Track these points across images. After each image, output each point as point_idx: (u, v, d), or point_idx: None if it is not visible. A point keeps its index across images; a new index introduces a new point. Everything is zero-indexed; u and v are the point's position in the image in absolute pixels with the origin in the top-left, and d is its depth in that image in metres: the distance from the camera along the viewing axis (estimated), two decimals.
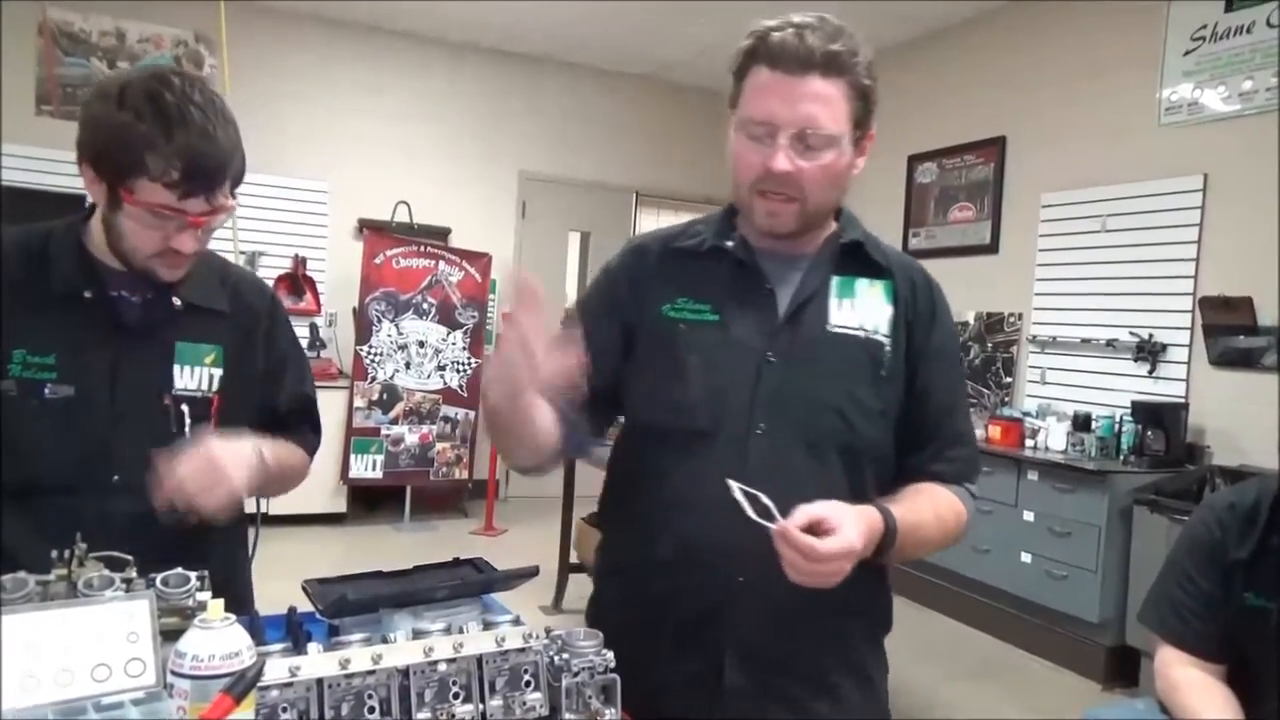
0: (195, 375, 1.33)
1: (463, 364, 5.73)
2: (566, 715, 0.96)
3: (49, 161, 4.90)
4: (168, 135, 1.15)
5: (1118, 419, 4.11)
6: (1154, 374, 4.14)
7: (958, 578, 4.39)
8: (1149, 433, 3.92)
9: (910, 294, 1.26)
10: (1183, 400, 3.98)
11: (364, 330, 5.48)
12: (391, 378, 5.54)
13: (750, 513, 1.00)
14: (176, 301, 1.32)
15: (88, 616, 0.86)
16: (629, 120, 6.80)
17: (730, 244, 1.24)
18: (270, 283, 5.58)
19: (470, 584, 1.13)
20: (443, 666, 0.93)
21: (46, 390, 1.24)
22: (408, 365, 5.59)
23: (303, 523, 5.14)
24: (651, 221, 7.02)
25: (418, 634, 0.95)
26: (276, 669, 0.86)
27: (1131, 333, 4.22)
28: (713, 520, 1.15)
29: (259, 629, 1.03)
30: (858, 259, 1.25)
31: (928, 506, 1.21)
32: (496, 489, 5.85)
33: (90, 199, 1.26)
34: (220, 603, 0.84)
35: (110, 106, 1.17)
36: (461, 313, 5.73)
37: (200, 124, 1.17)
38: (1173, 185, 4.10)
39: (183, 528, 1.18)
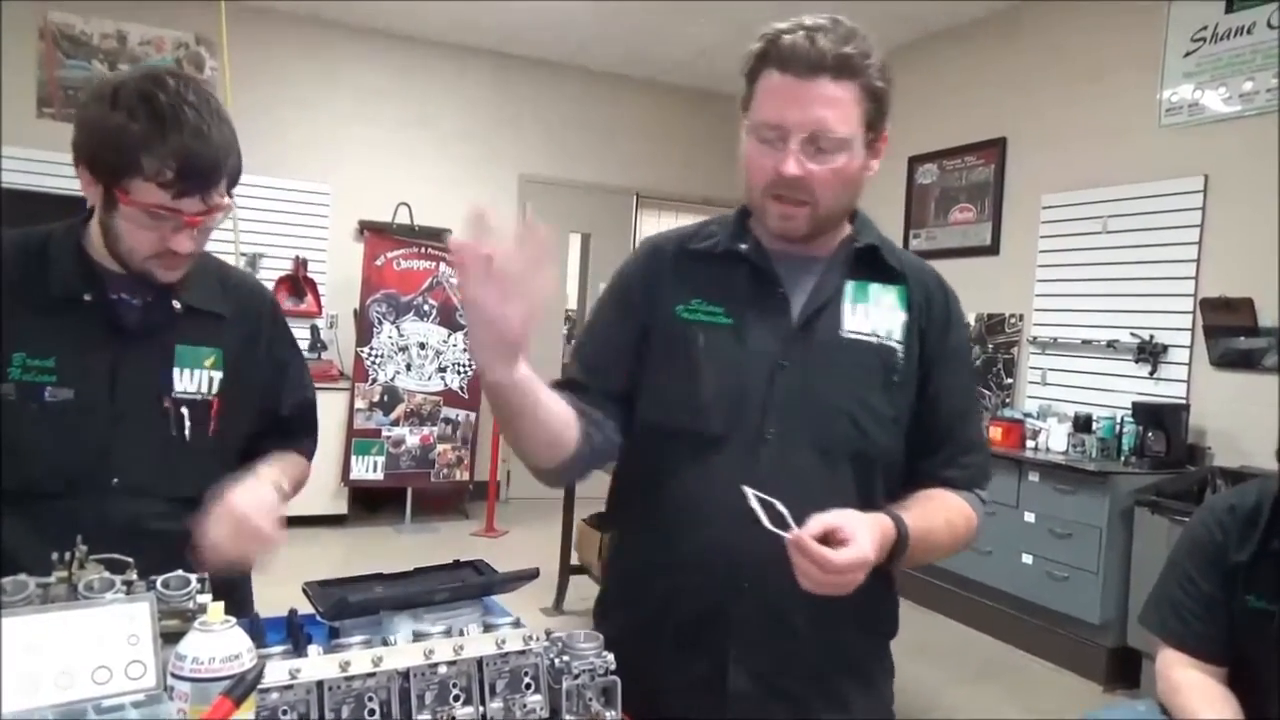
0: (195, 378, 1.33)
1: (464, 366, 5.73)
2: (567, 717, 0.96)
3: (50, 164, 4.90)
4: (161, 135, 1.15)
5: (1119, 420, 4.11)
6: (1155, 375, 4.14)
7: (958, 579, 4.39)
8: (1150, 434, 3.92)
9: (924, 300, 1.25)
10: (1183, 401, 3.98)
11: (365, 332, 5.49)
12: (392, 379, 5.54)
13: (765, 522, 1.00)
14: (176, 305, 1.32)
15: (88, 619, 0.86)
16: (629, 122, 6.81)
17: (744, 247, 1.24)
18: (271, 284, 5.61)
19: (470, 586, 1.14)
20: (443, 669, 0.93)
21: (46, 393, 1.24)
22: (409, 367, 5.59)
23: (303, 524, 5.14)
24: (652, 222, 7.03)
25: (418, 636, 0.95)
26: (277, 671, 0.86)
27: (1132, 334, 4.22)
28: (720, 524, 1.15)
29: (259, 631, 1.03)
30: (872, 263, 1.25)
31: (939, 513, 1.21)
32: (497, 490, 5.85)
33: (89, 201, 1.26)
34: (220, 605, 0.84)
35: (104, 107, 1.17)
36: (462, 314, 5.72)
37: (194, 124, 1.17)
38: (1173, 186, 4.10)
39: (183, 530, 1.18)
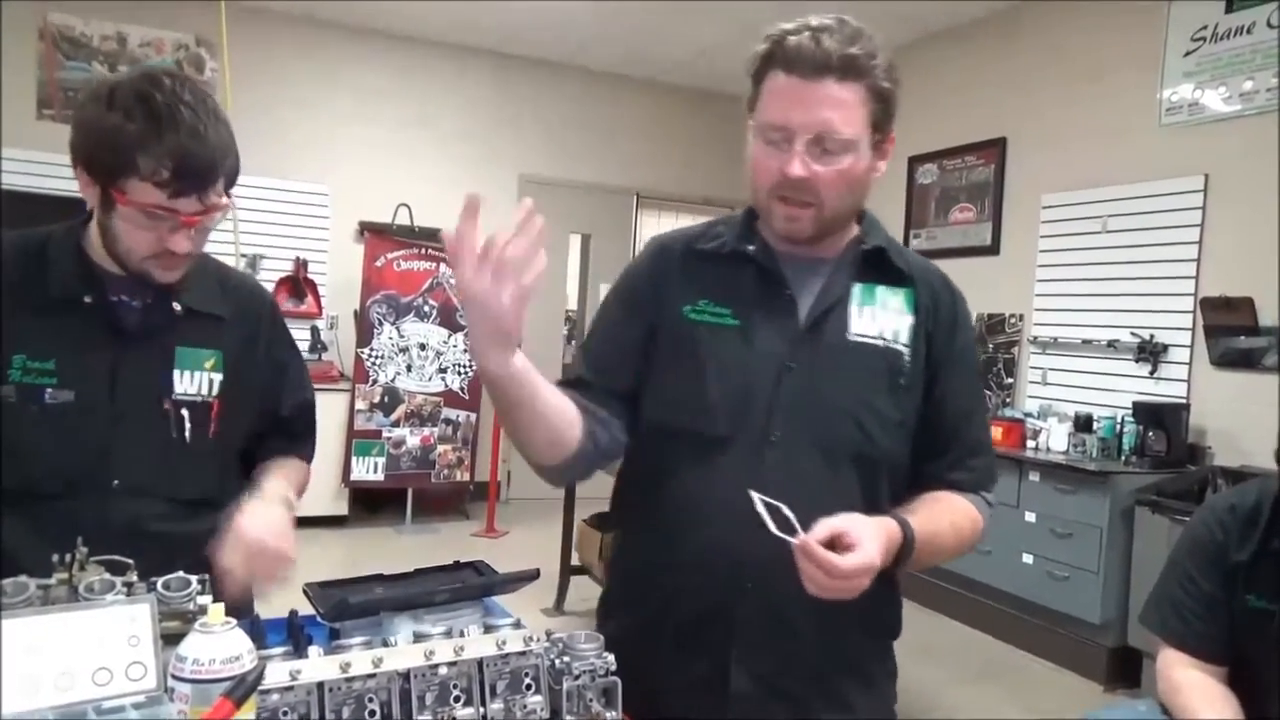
0: (195, 380, 1.34)
1: (464, 366, 5.73)
2: (567, 718, 0.96)
3: (50, 165, 4.90)
4: (158, 135, 1.15)
5: (1119, 420, 4.11)
6: (1155, 375, 4.14)
7: (959, 579, 4.39)
8: (1150, 433, 3.92)
9: (931, 302, 1.25)
10: (1184, 401, 3.98)
11: (365, 333, 5.49)
12: (393, 380, 5.54)
13: (772, 527, 0.99)
14: (176, 306, 1.32)
15: (89, 620, 0.86)
16: (628, 123, 6.81)
17: (751, 248, 1.23)
18: (271, 286, 5.62)
19: (471, 587, 1.14)
20: (443, 670, 0.93)
21: (46, 395, 1.24)
22: (409, 368, 5.59)
23: (304, 525, 5.08)
24: (652, 223, 7.03)
25: (418, 637, 0.95)
26: (277, 673, 0.86)
27: (1133, 333, 4.22)
28: (724, 525, 1.15)
29: (260, 632, 1.03)
30: (879, 265, 1.24)
31: (944, 516, 1.20)
32: (498, 491, 5.85)
33: (88, 203, 1.26)
34: (221, 607, 0.84)
35: (101, 108, 1.17)
36: (463, 315, 5.72)
37: (190, 123, 1.17)
38: (1173, 186, 4.10)
39: (183, 531, 1.18)
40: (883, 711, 1.28)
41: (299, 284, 5.80)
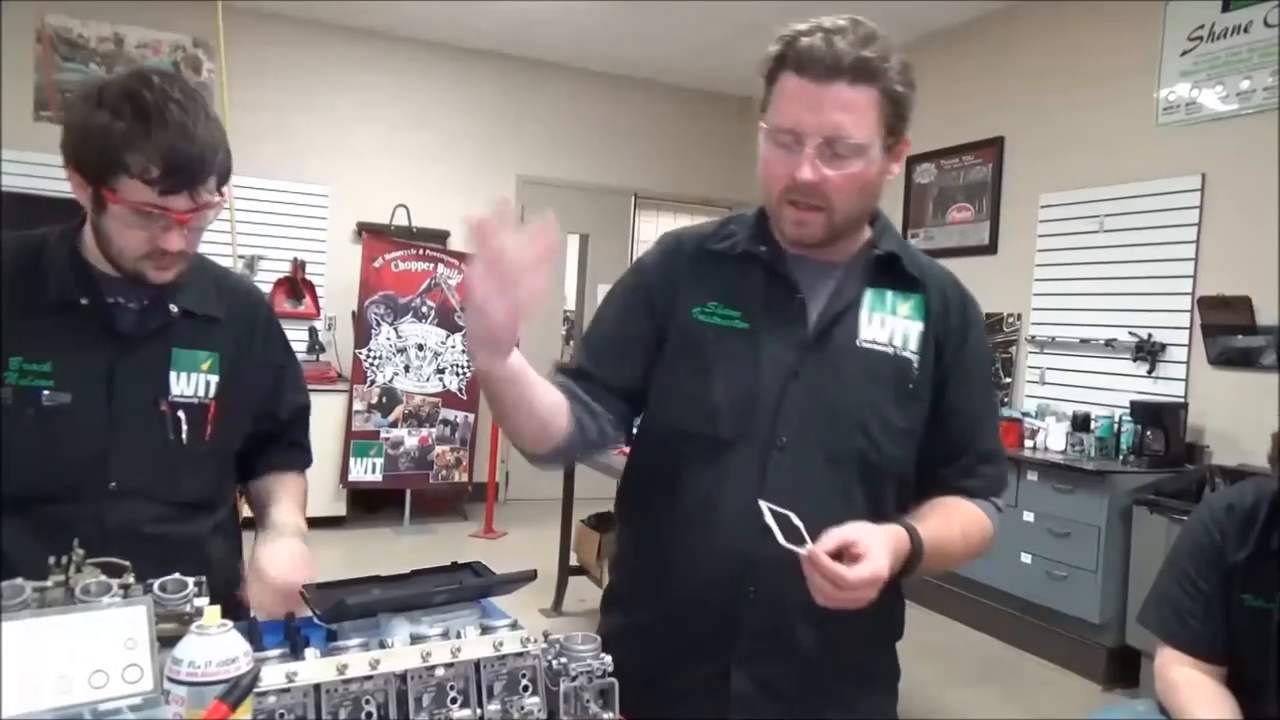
0: (192, 382, 1.33)
1: (462, 367, 5.73)
2: (564, 719, 0.96)
3: (48, 167, 4.89)
4: (146, 132, 1.15)
5: (1117, 419, 4.11)
6: (1153, 374, 4.14)
7: (957, 579, 4.39)
8: (1148, 433, 3.92)
9: (943, 309, 1.24)
10: (1182, 400, 3.98)
11: (363, 333, 5.48)
12: (391, 381, 5.54)
13: (780, 538, 0.99)
14: (173, 308, 1.32)
15: (85, 623, 0.86)
16: (627, 123, 6.81)
17: (763, 249, 1.22)
18: (269, 286, 5.61)
19: (468, 588, 1.13)
20: (440, 671, 0.93)
21: (43, 397, 1.24)
22: (407, 368, 5.59)
23: None
24: (651, 223, 7.03)
25: (415, 639, 0.95)
26: (274, 675, 0.86)
27: (1130, 333, 4.22)
28: (728, 528, 1.15)
29: (257, 634, 1.03)
30: (891, 270, 1.23)
31: (954, 523, 1.20)
32: (496, 492, 5.85)
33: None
34: (217, 609, 0.84)
35: (90, 107, 1.17)
36: (461, 315, 5.73)
37: (179, 120, 1.17)
38: (1171, 185, 4.11)
39: (180, 534, 1.18)
40: (885, 712, 1.28)
41: (297, 285, 5.80)
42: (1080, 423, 4.19)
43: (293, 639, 0.98)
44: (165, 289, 1.30)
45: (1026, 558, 4.04)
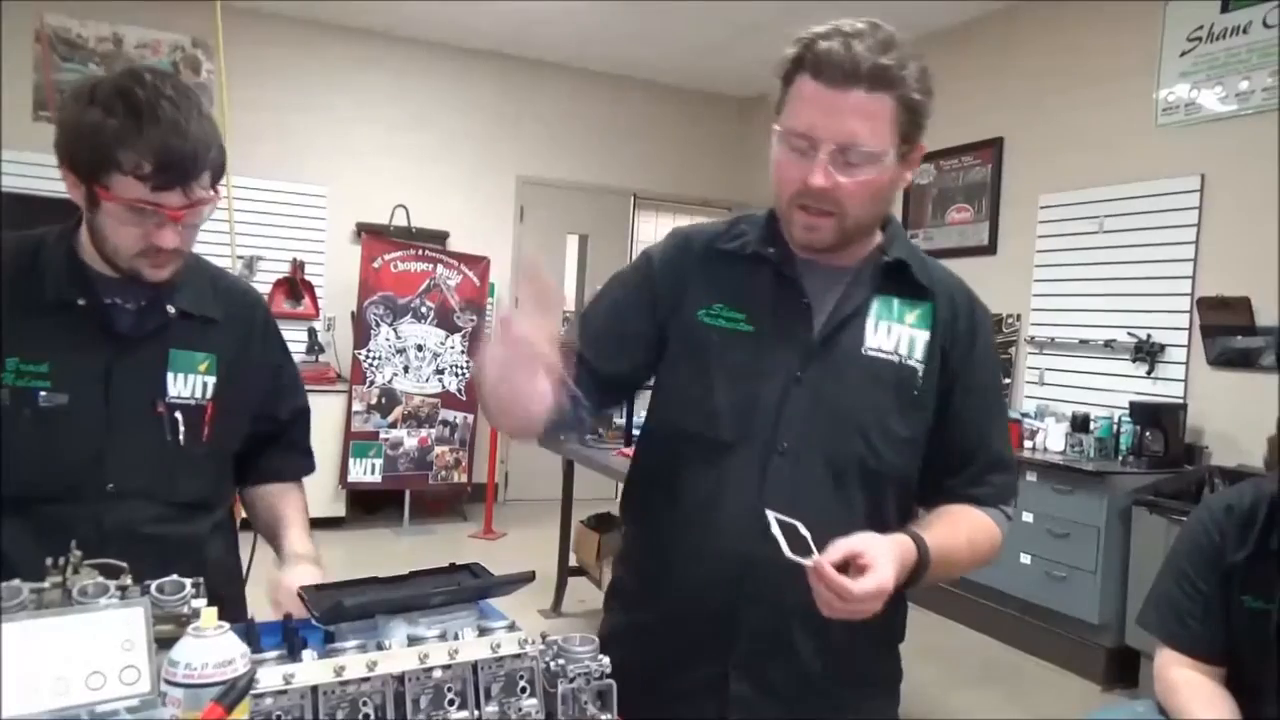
0: (189, 383, 1.33)
1: (461, 368, 5.73)
2: None
3: (46, 167, 4.85)
4: (138, 129, 1.14)
5: (1116, 420, 4.11)
6: (1152, 374, 4.14)
7: (957, 581, 4.37)
8: (1147, 433, 3.92)
9: (950, 317, 1.23)
10: (1181, 401, 3.98)
11: (362, 334, 5.48)
12: (390, 381, 5.54)
13: (786, 550, 0.98)
14: (170, 309, 1.32)
15: (83, 624, 0.86)
16: (627, 123, 6.81)
17: (771, 250, 1.21)
18: (268, 287, 5.60)
19: (466, 590, 1.13)
20: (438, 673, 0.93)
21: (40, 398, 1.23)
22: (406, 369, 5.59)
23: None
24: (650, 224, 7.03)
25: (413, 640, 0.95)
26: (271, 676, 0.86)
27: (1130, 333, 4.22)
28: (728, 530, 1.15)
29: (255, 636, 1.03)
30: (900, 277, 1.22)
31: (961, 532, 1.19)
32: (495, 492, 5.85)
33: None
34: (214, 611, 0.84)
35: (82, 105, 1.17)
36: (460, 316, 5.73)
37: (171, 117, 1.16)
38: (1170, 186, 4.11)
39: (177, 535, 1.18)
40: (886, 714, 1.28)
41: (296, 285, 5.80)
42: (1079, 423, 4.19)
43: (290, 640, 0.98)
44: (162, 289, 1.30)
45: (1026, 558, 4.04)
